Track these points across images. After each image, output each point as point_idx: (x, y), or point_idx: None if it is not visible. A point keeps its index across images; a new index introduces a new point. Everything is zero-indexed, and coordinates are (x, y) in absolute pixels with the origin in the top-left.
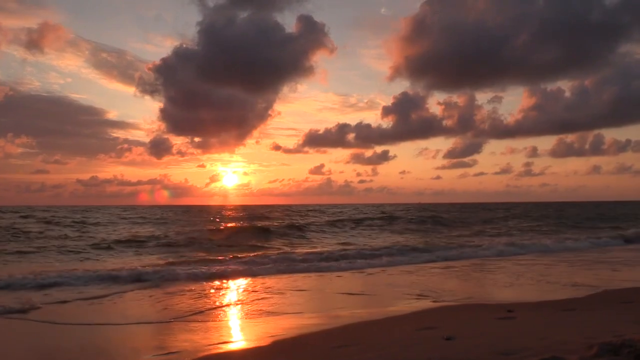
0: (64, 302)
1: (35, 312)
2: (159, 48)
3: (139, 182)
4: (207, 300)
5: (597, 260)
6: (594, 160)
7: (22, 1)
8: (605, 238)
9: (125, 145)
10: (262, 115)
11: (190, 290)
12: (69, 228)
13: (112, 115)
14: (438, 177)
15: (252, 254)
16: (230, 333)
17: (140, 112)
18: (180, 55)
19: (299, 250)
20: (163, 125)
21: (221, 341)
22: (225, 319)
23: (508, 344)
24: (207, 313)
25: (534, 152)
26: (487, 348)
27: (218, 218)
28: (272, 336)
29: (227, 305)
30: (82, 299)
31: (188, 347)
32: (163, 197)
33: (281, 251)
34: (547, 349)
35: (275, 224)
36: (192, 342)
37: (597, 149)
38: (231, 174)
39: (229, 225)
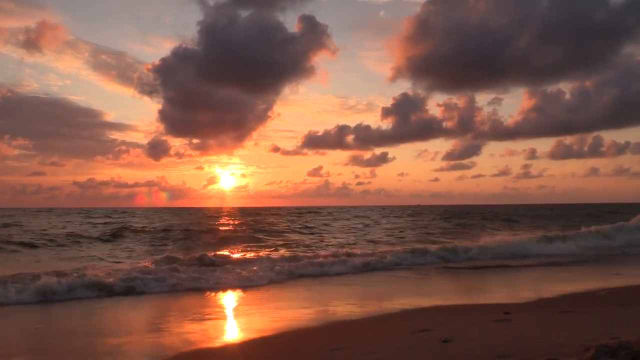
0: None
1: None
2: (158, 50)
3: (136, 184)
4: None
5: None
6: (592, 162)
7: (21, 2)
8: None
9: (123, 147)
10: (262, 117)
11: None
12: None
13: (110, 117)
14: (436, 179)
15: None
16: (225, 329)
17: (138, 114)
18: (179, 55)
19: None
20: (161, 127)
21: (215, 337)
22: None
23: (505, 346)
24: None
25: (532, 154)
26: (484, 350)
27: None
28: (264, 335)
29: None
30: None
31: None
32: (160, 199)
33: None
34: (544, 351)
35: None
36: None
37: (595, 151)
38: (229, 175)
39: None
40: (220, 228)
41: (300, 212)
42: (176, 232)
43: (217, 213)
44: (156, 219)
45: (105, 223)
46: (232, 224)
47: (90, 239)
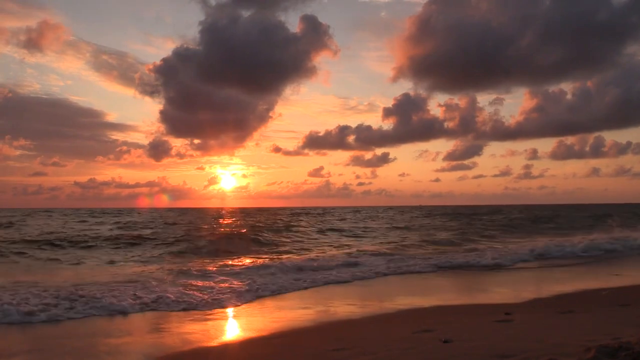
0: None
1: None
2: (159, 50)
3: (137, 185)
4: None
5: None
6: (593, 162)
7: (22, 3)
8: None
9: (124, 148)
10: (263, 117)
11: None
12: None
13: (112, 117)
14: (437, 180)
15: None
16: (225, 329)
17: (139, 114)
18: (181, 56)
19: None
20: (162, 127)
21: (216, 337)
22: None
23: (506, 346)
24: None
25: (534, 155)
26: (485, 351)
27: None
28: (264, 335)
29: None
30: None
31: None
32: (161, 200)
33: None
34: (545, 352)
35: None
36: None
37: (597, 151)
38: (230, 176)
39: None
40: (252, 230)
41: (319, 212)
42: (196, 235)
43: (225, 214)
44: (166, 220)
45: (124, 223)
46: (263, 224)
47: (116, 243)
